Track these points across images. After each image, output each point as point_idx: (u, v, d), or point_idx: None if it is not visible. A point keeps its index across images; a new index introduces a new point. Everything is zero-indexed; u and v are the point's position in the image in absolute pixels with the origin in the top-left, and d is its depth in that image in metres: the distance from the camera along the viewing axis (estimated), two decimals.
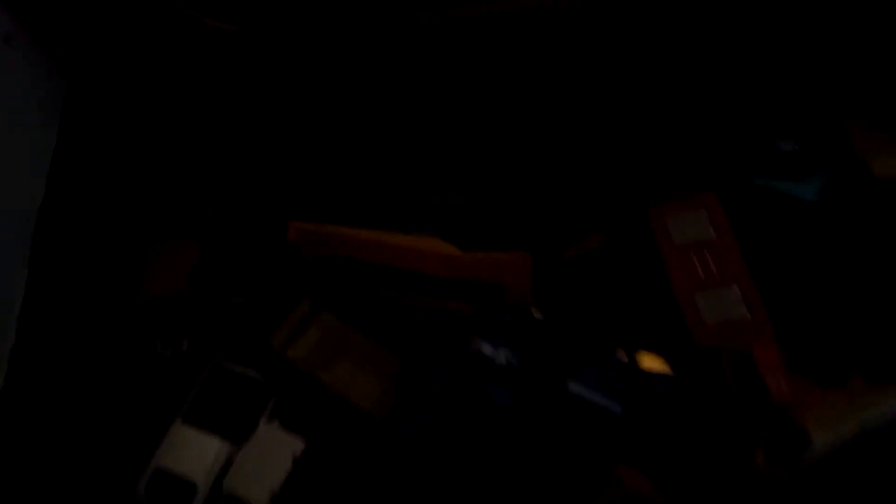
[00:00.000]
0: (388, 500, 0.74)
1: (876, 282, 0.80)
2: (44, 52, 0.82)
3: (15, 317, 0.82)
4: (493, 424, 0.79)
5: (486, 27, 0.83)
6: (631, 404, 0.77)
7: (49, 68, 0.83)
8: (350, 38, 0.85)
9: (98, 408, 0.86)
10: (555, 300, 0.87)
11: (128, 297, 0.90)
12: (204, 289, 0.90)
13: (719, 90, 0.90)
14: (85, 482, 0.83)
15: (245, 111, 0.91)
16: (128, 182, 0.93)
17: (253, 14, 0.81)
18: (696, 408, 0.77)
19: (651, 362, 0.85)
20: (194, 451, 0.81)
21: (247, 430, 0.82)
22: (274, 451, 0.79)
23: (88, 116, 0.89)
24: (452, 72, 0.87)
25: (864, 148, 0.89)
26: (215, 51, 0.82)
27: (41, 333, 0.84)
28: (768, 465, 0.71)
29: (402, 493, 0.75)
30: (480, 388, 0.80)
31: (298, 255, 0.87)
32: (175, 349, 0.88)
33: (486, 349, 0.82)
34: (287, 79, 0.88)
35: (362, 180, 0.94)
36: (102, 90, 0.89)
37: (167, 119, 0.91)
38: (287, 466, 0.78)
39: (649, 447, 0.75)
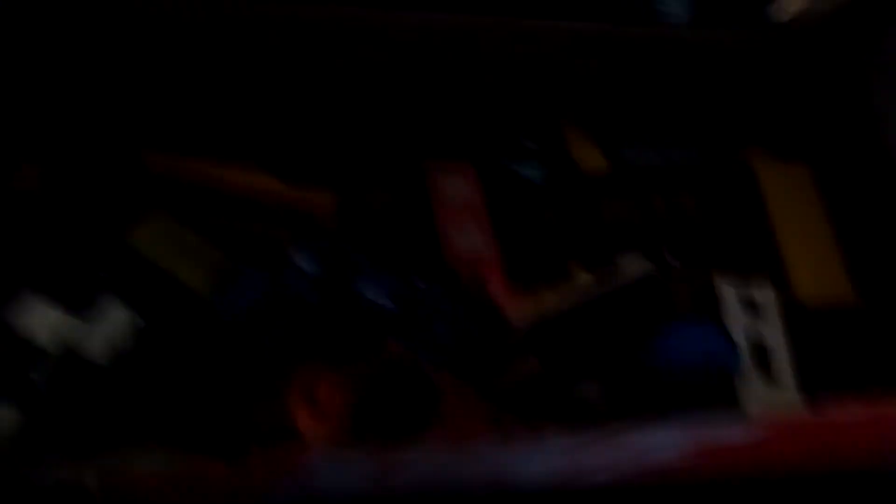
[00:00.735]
0: (202, 369, 0.94)
1: (566, 231, 1.18)
2: None
3: None
4: (294, 313, 1.04)
5: None
6: (402, 302, 1.06)
7: None
8: None
9: None
10: (354, 230, 1.14)
11: None
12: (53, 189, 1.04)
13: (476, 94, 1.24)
14: None
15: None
16: None
17: None
18: (443, 304, 1.08)
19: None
20: (36, 314, 0.94)
21: (87, 301, 0.96)
22: (113, 318, 0.96)
23: None
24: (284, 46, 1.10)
25: (576, 148, 1.28)
26: None
27: None
28: (486, 343, 1.03)
29: (223, 365, 0.96)
30: (290, 282, 1.05)
31: (145, 176, 1.06)
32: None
33: (297, 256, 1.07)
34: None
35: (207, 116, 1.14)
36: None
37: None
38: (127, 329, 0.95)
39: (413, 333, 1.05)
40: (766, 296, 1.03)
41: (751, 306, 1.03)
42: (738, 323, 1.01)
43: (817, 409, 0.90)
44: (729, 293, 1.03)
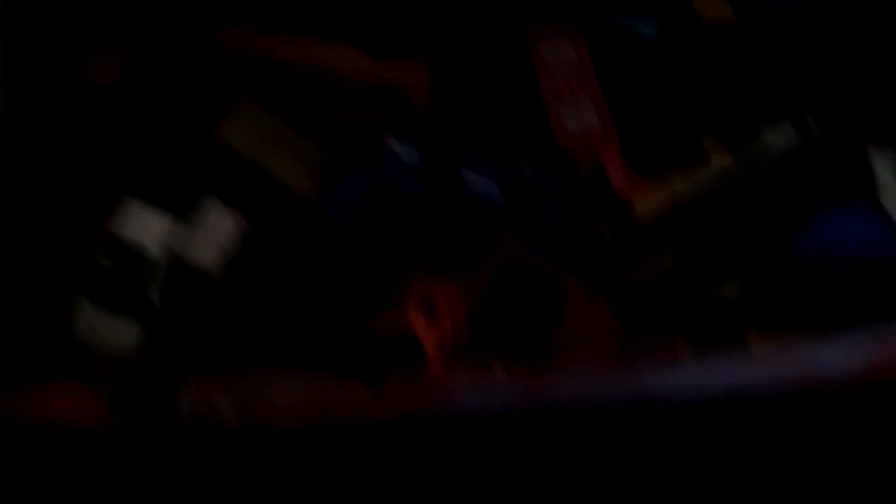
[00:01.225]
0: (317, 277, 0.89)
1: (690, 99, 1.04)
2: None
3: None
4: (401, 206, 0.96)
5: None
6: (509, 189, 0.97)
7: None
8: None
9: (45, 188, 0.91)
10: (451, 110, 1.03)
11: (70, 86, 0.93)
12: (136, 82, 0.96)
13: None
14: (42, 244, 0.89)
15: None
16: None
17: None
18: (557, 193, 0.99)
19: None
20: (143, 221, 0.90)
21: (190, 205, 0.91)
22: (219, 223, 0.90)
23: None
24: None
25: None
26: None
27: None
28: (609, 234, 0.95)
29: (327, 271, 0.91)
30: (390, 178, 0.96)
31: (226, 58, 0.95)
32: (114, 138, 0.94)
33: (395, 145, 0.98)
34: None
35: None
36: None
37: None
38: (233, 234, 0.90)
39: (524, 223, 0.96)
40: None
41: None
42: None
43: None
44: (885, 170, 0.90)
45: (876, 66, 1.05)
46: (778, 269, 0.88)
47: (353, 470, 0.77)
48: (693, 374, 0.67)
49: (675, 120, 1.04)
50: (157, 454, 0.73)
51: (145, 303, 0.86)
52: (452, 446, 0.75)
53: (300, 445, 0.74)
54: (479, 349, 0.87)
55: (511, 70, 1.08)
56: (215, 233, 0.88)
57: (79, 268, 0.87)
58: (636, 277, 0.91)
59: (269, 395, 0.65)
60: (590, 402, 0.70)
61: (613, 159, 1.03)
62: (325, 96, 0.99)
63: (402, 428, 0.70)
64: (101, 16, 0.95)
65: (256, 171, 0.92)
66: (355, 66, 0.96)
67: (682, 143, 1.00)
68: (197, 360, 0.82)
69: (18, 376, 0.80)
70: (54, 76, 0.93)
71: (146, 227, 0.87)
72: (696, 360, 0.64)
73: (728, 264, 0.90)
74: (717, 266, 0.90)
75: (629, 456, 0.79)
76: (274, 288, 0.87)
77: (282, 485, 0.77)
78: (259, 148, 0.92)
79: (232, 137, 0.92)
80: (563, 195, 1.01)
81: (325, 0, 1.02)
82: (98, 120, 0.93)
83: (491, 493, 0.81)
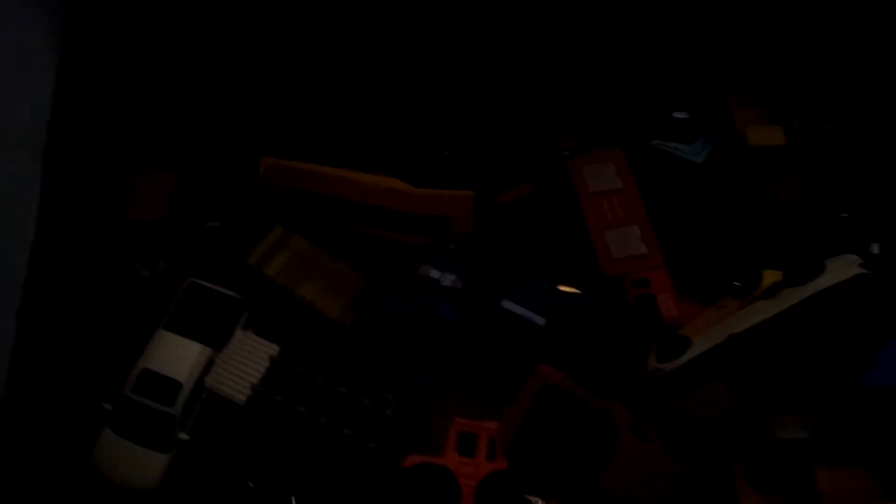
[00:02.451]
0: (354, 393, 0.86)
1: (743, 225, 1.00)
2: None
3: (33, 217, 0.86)
4: (440, 335, 0.93)
5: None
6: (552, 317, 0.93)
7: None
8: None
9: (84, 321, 0.92)
10: (492, 235, 1.01)
11: (110, 221, 0.96)
12: (181, 214, 0.98)
13: (626, 68, 1.07)
14: (79, 386, 0.90)
15: (224, 51, 0.98)
16: (113, 113, 0.99)
17: None
18: (602, 321, 0.94)
19: (567, 288, 1.01)
20: (177, 355, 0.90)
21: (224, 338, 0.91)
22: (251, 353, 0.89)
23: (84, 48, 0.94)
24: (417, 34, 0.99)
25: (741, 120, 1.08)
26: None
27: (52, 239, 0.89)
28: (657, 363, 0.88)
29: (366, 388, 0.88)
30: (427, 305, 0.94)
31: (268, 187, 0.97)
32: (153, 269, 0.96)
33: (433, 273, 0.96)
34: (266, 24, 0.96)
35: (331, 123, 1.04)
36: (97, 19, 0.94)
37: (152, 55, 0.97)
38: (264, 366, 0.88)
39: (567, 352, 0.91)
40: None
41: None
42: None
43: None
44: None
45: None
46: (847, 404, 0.80)
47: None
48: None
49: (727, 247, 0.99)
50: None
51: (172, 436, 0.85)
52: None
53: None
54: (520, 488, 0.81)
55: (554, 195, 1.06)
56: (248, 365, 0.87)
57: (109, 403, 0.87)
58: (688, 409, 0.84)
59: None
60: None
61: (662, 286, 0.98)
62: (368, 225, 0.99)
63: None
64: (143, 146, 0.99)
65: (293, 301, 0.92)
66: (397, 196, 0.96)
67: (736, 270, 0.94)
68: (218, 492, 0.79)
69: None
70: (93, 211, 0.96)
71: (180, 361, 0.86)
72: None
73: (789, 398, 0.81)
74: (777, 401, 0.82)
75: None
76: (302, 421, 0.84)
77: None
78: (296, 277, 0.91)
79: (269, 267, 0.92)
80: (610, 324, 0.95)
81: (368, 133, 1.04)
82: (138, 253, 0.95)
83: None
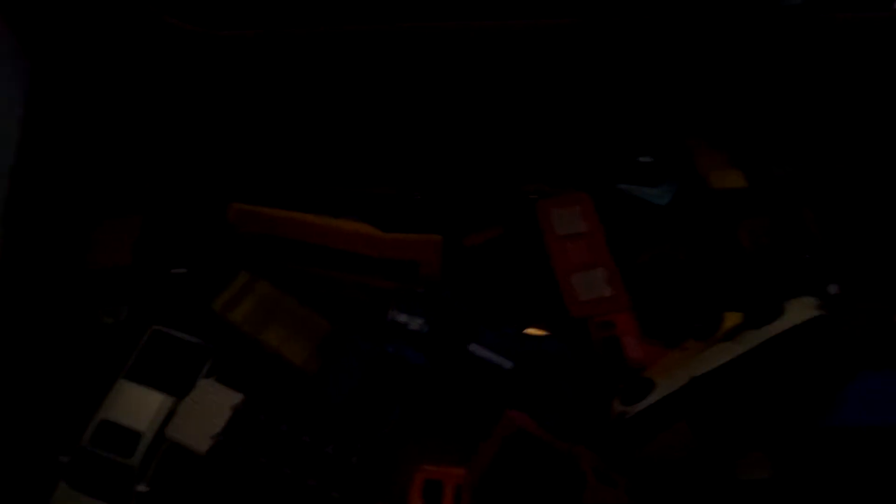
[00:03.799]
0: (318, 442, 0.85)
1: (706, 267, 1.01)
2: (14, 32, 0.87)
3: None
4: (406, 380, 0.92)
5: (432, 43, 0.96)
6: (519, 361, 0.92)
7: (17, 49, 0.88)
8: (297, 40, 0.95)
9: (43, 370, 0.91)
10: (460, 279, 1.02)
11: (72, 268, 0.95)
12: (146, 260, 0.97)
13: (592, 114, 1.09)
14: (35, 437, 0.87)
15: (193, 100, 0.99)
16: (80, 156, 0.98)
17: (214, 17, 0.90)
18: (569, 364, 0.94)
19: (535, 331, 1.01)
20: (138, 404, 0.88)
21: (187, 386, 0.90)
22: (213, 403, 0.88)
23: (51, 95, 0.94)
24: (387, 83, 1.00)
25: (703, 164, 1.09)
26: (174, 44, 0.90)
27: (11, 289, 0.88)
28: (622, 406, 0.88)
29: (330, 437, 0.87)
30: (394, 351, 0.93)
31: (236, 232, 0.97)
32: (115, 317, 0.95)
33: (402, 317, 0.96)
34: (239, 73, 0.97)
35: (299, 168, 1.05)
36: (65, 72, 0.94)
37: (119, 101, 0.97)
38: (226, 416, 0.87)
39: (534, 395, 0.91)
40: None
41: None
42: None
43: None
44: None
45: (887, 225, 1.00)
46: (807, 444, 0.80)
47: None
48: None
49: (690, 290, 1.00)
50: None
51: (131, 489, 0.82)
52: None
53: None
54: None
55: (522, 238, 1.06)
56: (211, 414, 0.86)
57: (66, 455, 0.84)
58: (652, 452, 0.83)
59: None
60: None
61: (627, 328, 0.98)
62: (336, 270, 0.99)
63: None
64: (110, 190, 0.99)
65: (258, 348, 0.91)
66: (366, 240, 0.96)
67: (698, 313, 0.95)
68: None
69: None
70: (57, 257, 0.95)
71: (141, 411, 0.85)
72: None
73: (751, 440, 0.81)
74: (740, 442, 0.82)
75: None
76: (265, 471, 0.82)
77: None
78: (262, 323, 0.91)
79: (235, 314, 0.91)
80: (576, 367, 0.95)
81: (335, 178, 1.05)
82: (101, 300, 0.94)
83: None
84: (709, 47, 1.00)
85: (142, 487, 0.80)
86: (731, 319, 0.90)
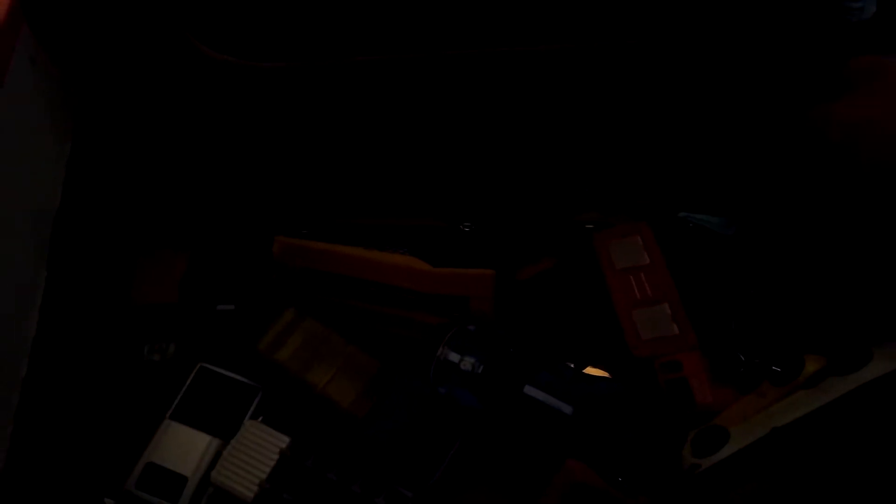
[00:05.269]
0: (368, 492, 0.81)
1: (780, 304, 0.93)
2: (61, 72, 0.86)
3: (37, 309, 0.85)
4: (459, 423, 0.87)
5: (468, 69, 0.93)
6: (579, 405, 0.87)
7: (65, 87, 0.88)
8: (336, 70, 0.92)
9: (91, 409, 0.89)
10: (513, 314, 0.96)
11: (118, 304, 0.94)
12: (193, 296, 0.95)
13: (653, 142, 1.03)
14: (80, 478, 0.85)
15: (238, 131, 0.97)
16: (124, 193, 0.97)
17: (249, 47, 0.87)
18: (634, 409, 0.88)
19: (596, 371, 0.95)
20: (183, 447, 0.85)
21: (233, 428, 0.87)
22: (260, 445, 0.85)
23: (96, 131, 0.94)
24: (432, 112, 0.96)
25: None
26: (212, 75, 0.88)
27: (56, 329, 0.87)
28: (694, 458, 0.82)
29: (380, 486, 0.82)
30: (446, 392, 0.88)
31: (283, 267, 0.94)
32: (162, 354, 0.93)
33: (453, 356, 0.91)
34: (279, 105, 0.95)
35: (347, 201, 1.02)
36: (109, 107, 0.93)
37: (163, 135, 0.96)
38: (273, 459, 0.83)
39: (596, 444, 0.85)
40: None
41: None
42: None
43: None
44: None
45: None
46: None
47: None
48: None
49: (761, 324, 0.92)
50: None
51: None
52: None
53: None
54: None
55: (578, 271, 1.01)
56: (257, 458, 0.83)
57: (111, 498, 0.82)
58: None
59: None
60: None
61: (695, 370, 0.91)
62: (384, 305, 0.95)
63: None
64: (155, 227, 0.97)
65: (305, 388, 0.87)
66: (415, 275, 0.92)
67: (775, 355, 0.88)
68: None
69: None
70: (101, 295, 0.94)
71: (187, 454, 0.82)
72: None
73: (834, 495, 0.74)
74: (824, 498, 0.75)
75: None
76: None
77: None
78: (308, 363, 0.87)
79: (281, 352, 0.88)
80: (642, 412, 0.89)
81: (385, 211, 1.01)
82: (147, 337, 0.92)
83: None
84: (771, 66, 0.93)
85: None
86: (813, 363, 0.82)
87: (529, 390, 0.88)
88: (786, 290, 0.94)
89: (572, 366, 0.92)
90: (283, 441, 0.82)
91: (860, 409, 0.74)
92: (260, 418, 0.85)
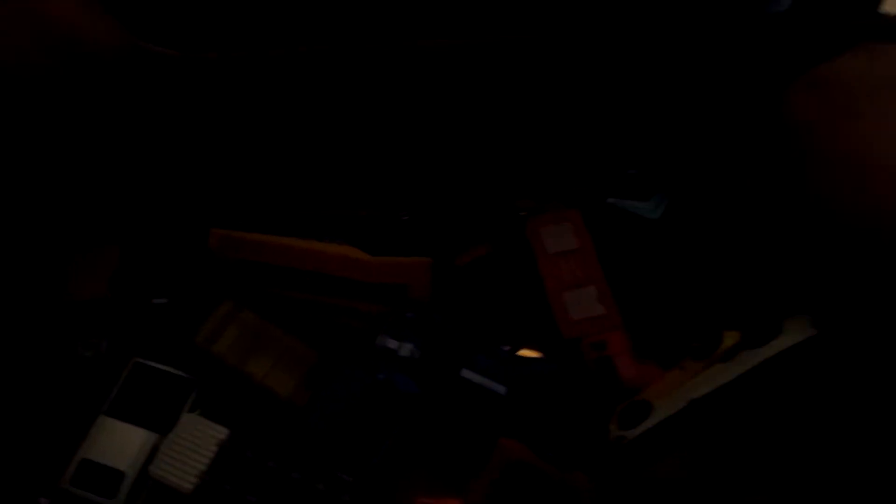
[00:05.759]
0: (308, 478, 0.82)
1: (699, 282, 0.99)
2: None
3: None
4: (398, 408, 0.90)
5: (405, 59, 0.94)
6: (513, 386, 0.90)
7: None
8: (273, 61, 0.92)
9: (21, 407, 0.87)
10: (450, 300, 0.99)
11: (50, 300, 0.91)
12: (125, 291, 0.94)
13: (579, 129, 1.07)
14: (14, 477, 0.84)
15: (171, 123, 0.95)
16: (52, 188, 0.95)
17: (189, 39, 0.87)
18: (564, 388, 0.91)
19: (529, 353, 0.98)
20: (119, 442, 0.85)
21: (170, 421, 0.86)
22: (198, 438, 0.85)
23: (23, 124, 0.91)
24: (368, 103, 0.97)
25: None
26: (149, 68, 0.87)
27: None
28: (619, 430, 0.86)
29: (320, 472, 0.83)
30: (385, 378, 0.90)
31: (218, 259, 0.93)
32: (95, 350, 0.91)
33: (391, 343, 0.93)
34: (214, 96, 0.94)
35: (282, 192, 1.02)
36: (36, 99, 0.90)
37: (95, 128, 0.94)
38: (212, 451, 0.84)
39: (529, 422, 0.88)
40: None
41: None
42: None
43: None
44: None
45: None
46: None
47: None
48: None
49: (686, 307, 0.97)
50: None
51: None
52: None
53: None
54: None
55: (512, 257, 1.04)
56: (196, 450, 0.83)
57: (45, 497, 0.81)
58: (652, 477, 0.81)
59: None
60: None
61: (620, 348, 0.96)
62: (323, 295, 0.96)
63: None
64: (85, 220, 0.95)
65: (244, 380, 0.87)
66: (354, 264, 0.93)
67: (694, 331, 0.93)
68: None
69: None
70: (32, 291, 0.92)
71: (123, 449, 0.82)
72: None
73: (748, 466, 0.79)
74: (741, 467, 0.80)
75: None
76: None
77: None
78: (246, 354, 0.87)
79: (218, 345, 0.88)
80: (570, 389, 0.93)
81: (319, 200, 1.02)
82: (79, 333, 0.90)
83: None
84: (692, 55, 0.98)
85: None
86: (730, 339, 0.88)
87: (466, 373, 0.91)
88: (705, 270, 1.00)
89: (507, 348, 0.96)
90: (222, 433, 0.82)
91: (771, 378, 0.80)
92: (198, 411, 0.85)
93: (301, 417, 0.85)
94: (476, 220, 1.07)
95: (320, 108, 1.00)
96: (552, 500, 0.77)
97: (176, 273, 0.93)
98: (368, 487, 0.81)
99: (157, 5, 0.84)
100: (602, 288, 0.99)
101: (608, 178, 1.09)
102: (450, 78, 1.00)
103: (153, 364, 0.88)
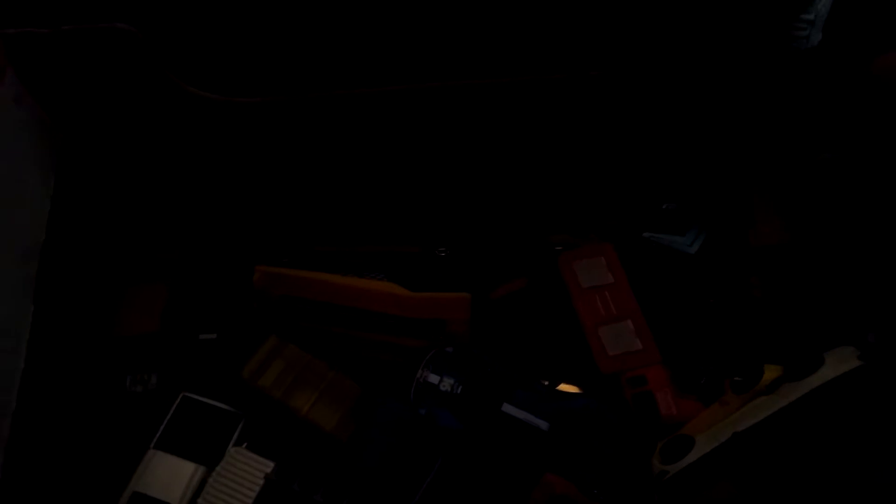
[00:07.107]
0: None
1: (739, 319, 1.00)
2: (44, 111, 0.89)
3: (25, 343, 0.87)
4: (439, 443, 0.91)
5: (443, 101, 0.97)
6: (555, 421, 0.91)
7: (48, 125, 0.90)
8: (313, 104, 0.97)
9: (72, 441, 0.90)
10: (488, 334, 1.01)
11: (100, 336, 0.95)
12: (175, 326, 0.97)
13: (614, 164, 1.09)
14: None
15: (218, 164, 1.00)
16: (106, 227, 0.99)
17: (232, 83, 0.91)
18: (606, 423, 0.92)
19: (568, 388, 1.00)
20: (168, 475, 0.87)
21: (218, 455, 0.89)
22: (244, 471, 0.87)
23: (79, 168, 0.96)
24: (406, 142, 1.01)
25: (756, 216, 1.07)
26: (193, 111, 0.92)
27: (43, 362, 0.89)
28: (662, 465, 0.87)
29: None
30: (426, 413, 0.92)
31: (264, 296, 0.97)
32: (144, 385, 0.95)
33: (432, 378, 0.95)
34: (258, 138, 0.98)
35: (325, 230, 1.05)
36: (91, 144, 0.96)
37: (145, 169, 0.99)
38: (258, 484, 0.86)
39: (572, 457, 0.89)
40: None
41: None
42: None
43: None
44: None
45: None
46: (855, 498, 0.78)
47: None
48: None
49: (722, 337, 0.98)
50: None
51: None
52: None
53: None
54: None
55: (547, 292, 1.06)
56: (242, 484, 0.85)
57: None
58: None
59: None
60: None
61: (659, 383, 0.97)
62: (364, 330, 0.98)
63: None
64: (136, 258, 1.00)
65: (288, 413, 0.90)
66: (394, 300, 0.96)
67: (734, 366, 0.94)
68: None
69: None
70: (85, 327, 0.96)
71: (172, 483, 0.84)
72: None
73: (799, 495, 0.80)
74: (785, 497, 0.80)
75: None
76: None
77: None
78: (291, 389, 0.90)
79: (263, 379, 0.91)
80: (614, 426, 0.94)
81: (360, 238, 1.05)
82: (129, 368, 0.94)
83: None
84: (724, 92, 1.01)
85: None
86: (771, 372, 0.89)
87: (507, 408, 0.92)
88: (745, 304, 1.01)
89: (546, 383, 0.97)
90: (268, 466, 0.84)
91: (814, 410, 0.81)
92: (244, 445, 0.87)
93: (347, 451, 0.87)
94: (513, 255, 1.09)
95: (359, 148, 1.04)
96: None
97: (223, 309, 0.97)
98: None
99: (202, 53, 0.89)
100: (639, 322, 1.00)
101: (644, 212, 1.11)
102: (486, 115, 1.04)
103: (201, 398, 0.91)
